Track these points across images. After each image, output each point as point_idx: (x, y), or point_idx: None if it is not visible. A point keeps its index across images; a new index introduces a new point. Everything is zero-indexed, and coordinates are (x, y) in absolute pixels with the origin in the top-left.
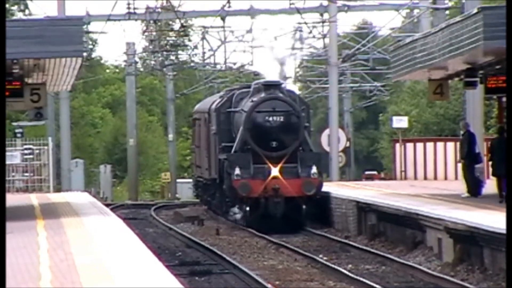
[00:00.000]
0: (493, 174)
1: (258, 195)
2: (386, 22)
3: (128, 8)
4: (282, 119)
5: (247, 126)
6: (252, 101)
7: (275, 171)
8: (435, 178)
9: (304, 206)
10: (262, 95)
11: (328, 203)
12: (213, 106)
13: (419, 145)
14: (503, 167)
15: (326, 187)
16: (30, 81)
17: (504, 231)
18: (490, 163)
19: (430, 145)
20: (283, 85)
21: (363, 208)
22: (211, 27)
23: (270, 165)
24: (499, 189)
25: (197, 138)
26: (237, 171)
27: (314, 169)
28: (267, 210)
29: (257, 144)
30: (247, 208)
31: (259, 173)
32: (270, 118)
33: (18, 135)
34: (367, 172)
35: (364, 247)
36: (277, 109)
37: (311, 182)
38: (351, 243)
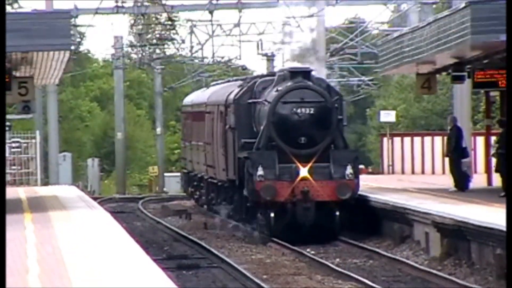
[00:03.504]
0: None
1: (285, 200)
2: (374, 17)
3: (116, 1)
4: (312, 111)
5: (271, 119)
6: (277, 90)
7: (304, 172)
8: (423, 172)
9: (337, 213)
10: (289, 83)
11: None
12: (231, 96)
13: (407, 140)
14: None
15: None
16: (18, 74)
17: (492, 226)
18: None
19: (417, 139)
20: (312, 72)
21: None
22: (199, 21)
23: (298, 164)
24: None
25: (207, 133)
26: (260, 171)
27: (349, 169)
28: (295, 217)
29: (283, 140)
30: (272, 215)
31: (286, 173)
32: (298, 110)
33: (6, 128)
34: None
35: (352, 241)
36: (306, 99)
37: (346, 185)
38: (339, 237)
